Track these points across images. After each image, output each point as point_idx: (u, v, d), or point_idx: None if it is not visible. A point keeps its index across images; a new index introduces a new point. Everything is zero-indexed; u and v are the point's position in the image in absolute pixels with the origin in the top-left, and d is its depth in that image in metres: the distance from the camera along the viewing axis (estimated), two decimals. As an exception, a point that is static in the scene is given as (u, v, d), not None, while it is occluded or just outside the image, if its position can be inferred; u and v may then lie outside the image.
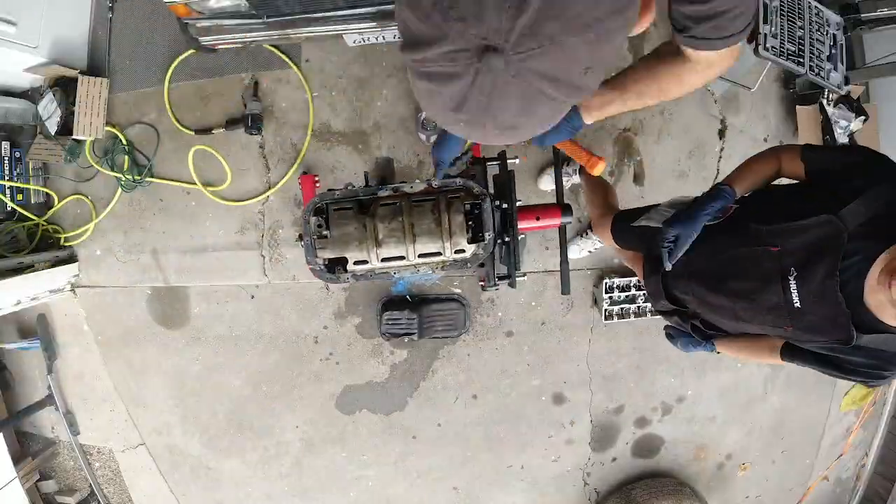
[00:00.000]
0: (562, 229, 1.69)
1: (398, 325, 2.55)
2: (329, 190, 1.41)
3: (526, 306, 2.65)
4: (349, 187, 1.43)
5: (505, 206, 1.51)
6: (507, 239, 1.50)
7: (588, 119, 1.10)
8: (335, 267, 1.40)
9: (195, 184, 2.51)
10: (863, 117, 2.43)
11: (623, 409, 2.81)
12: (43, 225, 2.59)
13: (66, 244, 2.65)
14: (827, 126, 2.44)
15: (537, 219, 1.68)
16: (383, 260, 1.37)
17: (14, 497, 2.63)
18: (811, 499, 3.16)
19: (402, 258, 1.36)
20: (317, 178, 2.42)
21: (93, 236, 2.63)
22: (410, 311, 2.53)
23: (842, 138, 2.45)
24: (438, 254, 1.37)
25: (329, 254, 1.37)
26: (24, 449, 2.97)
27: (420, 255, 1.37)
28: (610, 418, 2.82)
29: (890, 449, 3.11)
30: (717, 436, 2.90)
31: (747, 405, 2.87)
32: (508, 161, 1.71)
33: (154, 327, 2.71)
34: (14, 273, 2.39)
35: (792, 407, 2.92)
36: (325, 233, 1.38)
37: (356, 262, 1.38)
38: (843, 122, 2.43)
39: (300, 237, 1.45)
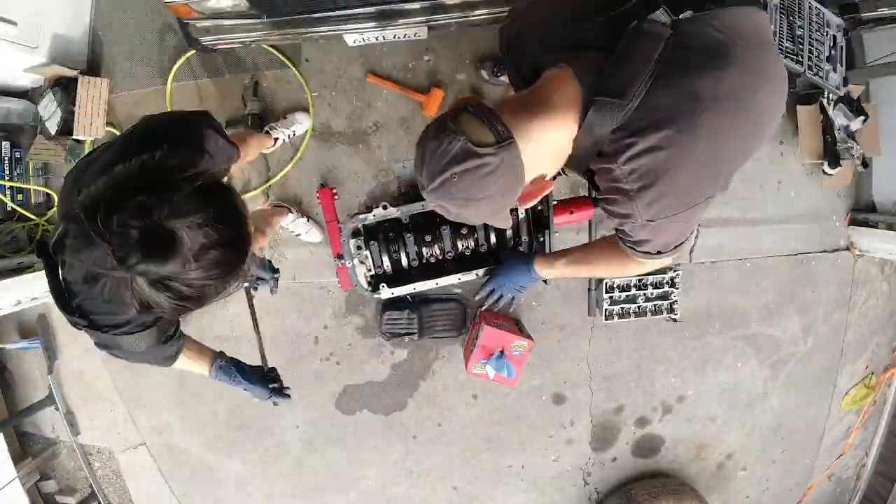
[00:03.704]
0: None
1: (398, 325, 2.55)
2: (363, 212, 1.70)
3: (526, 306, 2.65)
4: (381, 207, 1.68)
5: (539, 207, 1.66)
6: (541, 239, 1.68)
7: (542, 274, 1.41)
8: (379, 284, 1.70)
9: (195, 184, 2.50)
10: (863, 117, 2.43)
11: (623, 409, 2.81)
12: (43, 225, 2.58)
13: (67, 244, 2.64)
14: (827, 126, 2.44)
15: (571, 213, 1.66)
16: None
17: (14, 497, 2.63)
18: (811, 499, 3.16)
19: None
20: (335, 191, 2.39)
21: (93, 236, 2.63)
22: (410, 311, 2.53)
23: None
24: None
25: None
26: (24, 449, 2.97)
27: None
28: (610, 418, 2.82)
29: (890, 449, 3.11)
30: (718, 436, 2.90)
31: (747, 405, 2.87)
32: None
33: (154, 327, 2.71)
34: (14, 273, 2.38)
35: (792, 407, 2.92)
36: (365, 253, 1.70)
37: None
38: (844, 122, 2.43)
39: (339, 256, 1.76)
